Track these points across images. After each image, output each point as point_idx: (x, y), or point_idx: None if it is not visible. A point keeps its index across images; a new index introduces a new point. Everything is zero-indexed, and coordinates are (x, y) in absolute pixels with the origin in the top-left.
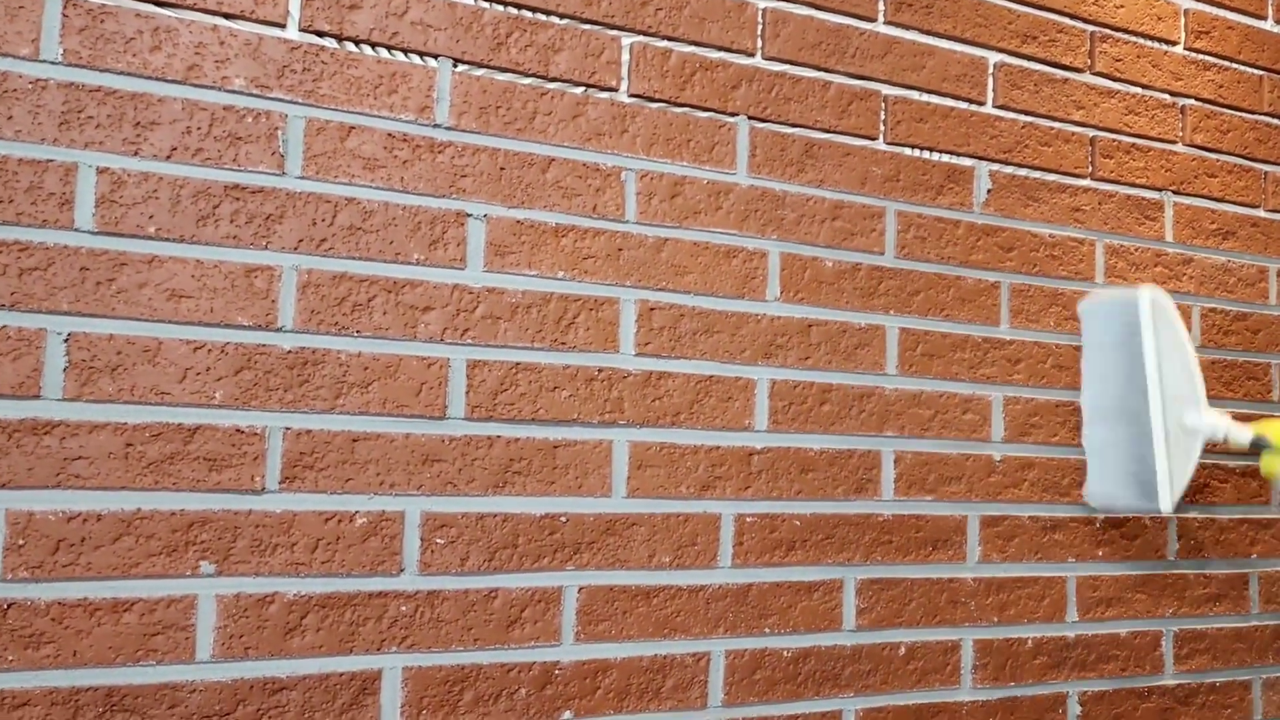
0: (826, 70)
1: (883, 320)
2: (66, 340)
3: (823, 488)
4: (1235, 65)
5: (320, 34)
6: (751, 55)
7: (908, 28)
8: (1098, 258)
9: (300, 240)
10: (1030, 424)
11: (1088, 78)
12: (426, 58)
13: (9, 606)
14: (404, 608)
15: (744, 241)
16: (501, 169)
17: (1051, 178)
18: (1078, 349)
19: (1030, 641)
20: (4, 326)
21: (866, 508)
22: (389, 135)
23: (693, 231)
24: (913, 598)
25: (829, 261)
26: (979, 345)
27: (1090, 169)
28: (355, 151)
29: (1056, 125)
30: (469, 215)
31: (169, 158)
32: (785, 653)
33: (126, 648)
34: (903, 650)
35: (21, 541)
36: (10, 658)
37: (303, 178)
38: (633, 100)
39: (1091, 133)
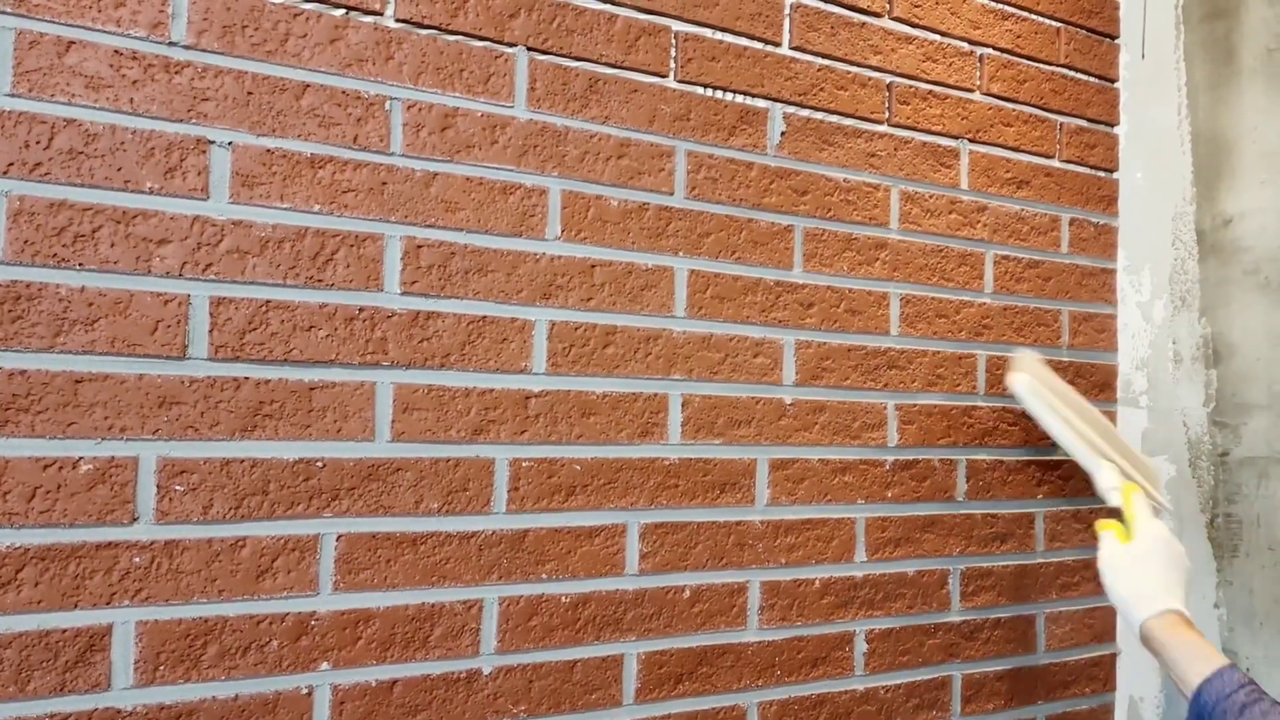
0: (612, 3)
1: (671, 261)
2: None
3: (605, 431)
4: (1033, 16)
5: None
6: None
7: None
8: (893, 203)
9: (10, 164)
10: (822, 368)
11: (885, 22)
12: None
13: None
14: (138, 559)
15: (522, 178)
16: (249, 94)
17: (848, 122)
18: (870, 293)
19: (818, 582)
20: None
21: (652, 451)
22: (116, 52)
23: (465, 166)
24: (699, 541)
25: (614, 201)
26: (771, 289)
27: (886, 114)
28: (76, 69)
29: (853, 69)
30: (211, 142)
31: None
32: (563, 598)
33: None
34: (687, 593)
35: None
36: None
37: (13, 95)
38: (399, 25)
39: (888, 78)
